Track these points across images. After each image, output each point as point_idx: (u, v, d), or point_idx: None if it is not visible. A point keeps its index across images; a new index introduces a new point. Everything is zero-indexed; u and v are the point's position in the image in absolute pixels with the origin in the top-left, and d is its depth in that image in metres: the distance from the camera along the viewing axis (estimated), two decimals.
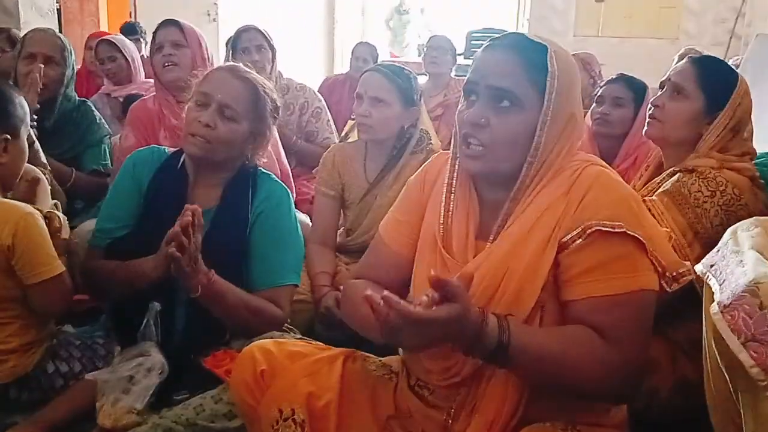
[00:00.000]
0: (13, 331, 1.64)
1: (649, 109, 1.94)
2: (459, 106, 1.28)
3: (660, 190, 1.79)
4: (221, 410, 1.57)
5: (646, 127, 1.95)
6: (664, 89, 1.91)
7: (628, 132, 2.58)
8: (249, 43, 3.05)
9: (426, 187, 1.39)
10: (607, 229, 1.14)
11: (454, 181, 1.32)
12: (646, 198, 1.77)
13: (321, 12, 8.98)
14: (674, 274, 1.21)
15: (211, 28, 6.27)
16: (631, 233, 1.14)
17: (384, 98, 2.29)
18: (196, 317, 1.69)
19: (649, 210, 1.73)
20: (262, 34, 3.09)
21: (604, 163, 1.28)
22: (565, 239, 1.17)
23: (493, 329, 1.09)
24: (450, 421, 1.24)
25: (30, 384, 1.68)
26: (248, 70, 1.82)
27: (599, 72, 3.66)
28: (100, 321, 1.90)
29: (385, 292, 1.03)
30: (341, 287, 1.56)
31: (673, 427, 1.72)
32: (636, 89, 2.60)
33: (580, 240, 1.15)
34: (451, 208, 1.30)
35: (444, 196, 1.32)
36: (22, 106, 1.70)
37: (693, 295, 1.33)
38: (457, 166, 1.31)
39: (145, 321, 1.67)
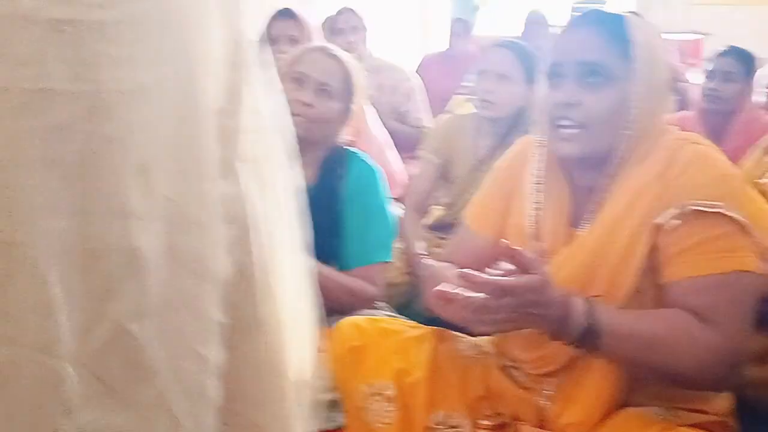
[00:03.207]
0: None
1: (765, 78, 1.83)
2: (543, 91, 1.24)
3: None
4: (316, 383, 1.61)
5: (763, 99, 1.84)
6: None
7: (737, 108, 2.44)
8: (345, 24, 3.08)
9: (514, 172, 1.36)
10: (704, 209, 1.09)
11: (542, 171, 1.28)
12: (760, 181, 1.67)
13: None
14: None
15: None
16: (730, 214, 1.08)
17: (510, 75, 2.24)
18: None
19: (765, 193, 1.64)
20: (356, 14, 3.10)
21: (704, 140, 1.22)
22: (660, 221, 1.12)
23: (579, 309, 1.05)
24: (547, 403, 1.22)
25: None
26: (336, 48, 1.85)
27: None
28: None
29: (462, 270, 1.01)
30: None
31: None
32: (746, 61, 2.45)
33: (676, 221, 1.10)
34: (540, 199, 1.27)
35: (534, 185, 1.28)
36: None
37: None
38: (544, 153, 1.27)
39: None
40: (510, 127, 2.30)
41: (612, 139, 1.17)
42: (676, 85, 3.41)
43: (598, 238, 1.16)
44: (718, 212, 1.08)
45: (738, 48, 2.47)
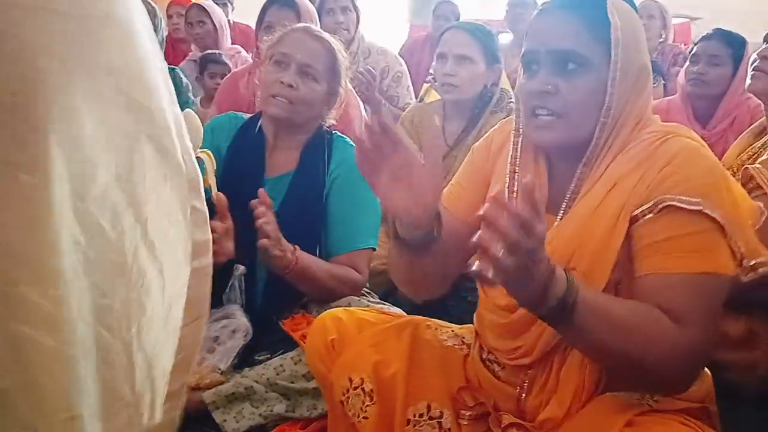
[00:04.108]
0: None
1: (754, 61, 1.82)
2: (519, 79, 1.20)
3: (765, 156, 1.67)
4: (301, 371, 1.61)
5: (749, 81, 1.83)
6: None
7: (726, 91, 2.43)
8: (334, 3, 3.03)
9: (491, 155, 1.32)
10: (681, 205, 1.04)
11: (518, 159, 1.24)
12: (749, 165, 1.67)
13: None
14: (752, 263, 1.09)
15: None
16: (709, 213, 1.04)
17: (469, 56, 2.23)
18: (277, 280, 1.71)
19: (752, 178, 1.63)
20: None
21: (692, 134, 1.17)
22: (636, 212, 1.08)
23: (561, 278, 0.99)
24: (523, 395, 1.21)
25: None
26: (320, 30, 1.82)
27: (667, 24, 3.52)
28: None
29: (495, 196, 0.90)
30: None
31: None
32: (734, 45, 2.43)
33: (652, 214, 1.07)
34: (515, 188, 1.23)
35: (508, 174, 1.24)
36: None
37: None
38: (520, 140, 1.24)
39: (230, 284, 1.71)
40: (476, 109, 2.31)
41: (590, 128, 1.13)
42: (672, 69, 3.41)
43: (575, 227, 1.13)
44: (696, 210, 1.04)
45: (724, 31, 2.45)
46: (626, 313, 1.04)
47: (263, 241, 1.54)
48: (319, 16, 2.99)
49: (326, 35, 1.80)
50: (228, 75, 2.78)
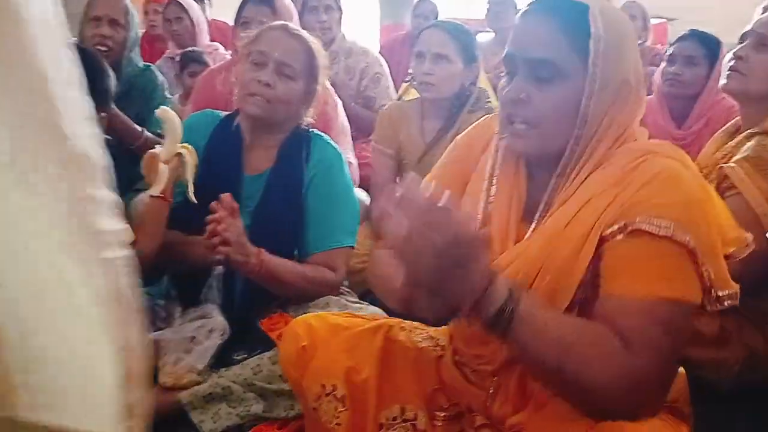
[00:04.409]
0: None
1: (730, 61, 1.83)
2: (501, 84, 1.17)
3: (739, 156, 1.69)
4: (278, 371, 1.59)
5: (724, 81, 1.84)
6: (746, 41, 1.81)
7: (701, 91, 2.46)
8: (318, 2, 3.01)
9: (473, 152, 1.29)
10: (651, 229, 1.00)
11: (497, 163, 1.21)
12: (724, 165, 1.69)
13: None
14: (720, 294, 1.05)
15: None
16: (678, 238, 1.00)
17: (447, 55, 2.24)
18: (254, 280, 1.70)
19: (726, 177, 1.65)
20: None
21: (676, 153, 1.11)
22: (606, 232, 1.05)
23: (502, 287, 0.96)
24: (489, 403, 1.19)
25: None
26: (298, 28, 1.81)
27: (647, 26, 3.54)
28: (161, 282, 1.93)
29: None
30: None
31: (744, 398, 1.67)
32: (709, 46, 2.46)
33: (621, 235, 1.03)
34: (492, 192, 1.20)
35: (487, 177, 1.22)
36: (115, 82, 1.74)
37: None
38: (501, 145, 1.21)
39: (207, 283, 1.70)
40: (453, 107, 2.32)
41: (565, 139, 1.09)
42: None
43: (544, 241, 1.10)
44: (665, 235, 1.00)
45: (700, 32, 2.47)
46: (569, 331, 1.01)
47: (221, 249, 1.52)
48: (302, 14, 2.98)
49: (304, 33, 1.79)
50: (205, 71, 2.76)
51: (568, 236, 1.07)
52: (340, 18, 3.05)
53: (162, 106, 1.77)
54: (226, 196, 1.55)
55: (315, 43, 1.79)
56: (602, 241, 1.05)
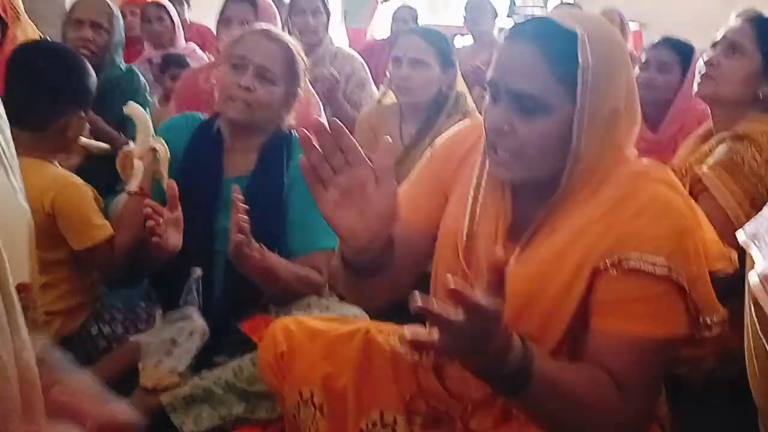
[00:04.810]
0: (60, 294, 1.70)
1: (702, 66, 1.88)
2: (484, 103, 1.12)
3: (711, 160, 1.73)
4: (259, 373, 1.60)
5: (696, 86, 1.89)
6: (717, 48, 1.85)
7: (675, 97, 2.50)
8: (306, 5, 3.01)
9: (453, 160, 1.24)
10: (644, 267, 1.00)
11: (483, 181, 1.17)
12: (697, 168, 1.73)
13: None
14: (708, 321, 1.06)
15: None
16: (671, 276, 1.00)
17: (424, 60, 2.28)
18: (234, 282, 1.70)
19: (700, 180, 1.69)
20: None
21: (666, 174, 1.10)
22: (599, 265, 1.03)
23: (519, 349, 0.93)
24: (469, 415, 1.19)
25: (74, 345, 1.73)
26: (279, 31, 1.83)
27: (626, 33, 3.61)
28: (139, 284, 1.93)
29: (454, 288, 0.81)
30: None
31: (716, 394, 1.71)
32: (682, 52, 2.51)
33: (614, 270, 1.02)
34: (477, 210, 1.17)
35: (471, 194, 1.18)
36: (94, 81, 1.74)
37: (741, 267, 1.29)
38: (486, 165, 1.17)
39: (186, 286, 1.69)
40: (431, 111, 2.35)
41: (551, 169, 1.06)
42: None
43: (537, 269, 1.07)
44: (658, 272, 1.00)
45: (673, 38, 2.52)
46: (576, 383, 1.00)
47: (238, 236, 1.51)
48: (290, 15, 2.99)
49: (285, 37, 1.80)
50: (188, 71, 2.76)
51: (560, 267, 1.05)
52: (328, 22, 3.05)
53: (132, 103, 1.77)
54: (236, 188, 1.52)
55: (296, 46, 1.80)
56: (594, 272, 1.04)
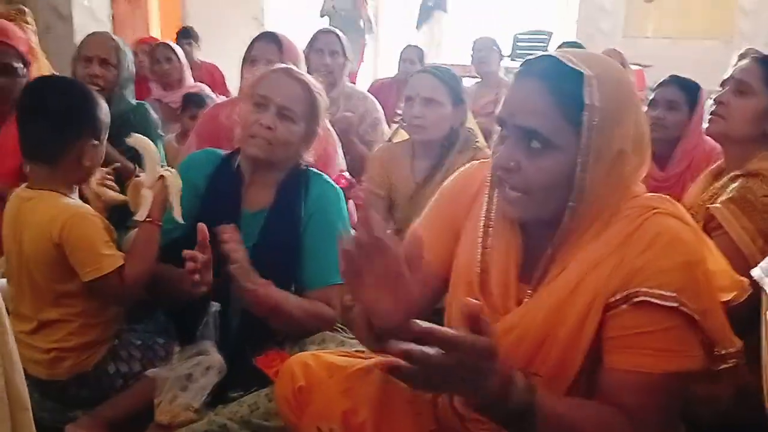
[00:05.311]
0: (73, 330, 1.68)
1: (712, 106, 1.91)
2: (494, 139, 1.14)
3: (724, 197, 1.75)
4: (274, 408, 1.58)
5: (707, 125, 1.93)
6: (726, 87, 1.89)
7: (683, 135, 2.54)
8: (325, 45, 3.08)
9: (464, 199, 1.25)
10: (656, 300, 1.00)
11: (492, 215, 1.19)
12: (710, 206, 1.74)
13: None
14: (723, 352, 1.07)
15: (258, 32, 6.38)
16: (683, 309, 1.00)
17: (436, 98, 2.31)
18: (251, 317, 1.71)
19: (713, 217, 1.70)
20: (339, 39, 3.11)
21: (675, 208, 1.11)
22: (610, 300, 1.04)
23: (522, 386, 0.94)
24: None
25: (89, 383, 1.72)
26: (301, 71, 1.86)
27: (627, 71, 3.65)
28: (156, 318, 1.93)
29: (412, 322, 0.86)
30: None
31: None
32: (689, 91, 2.55)
33: (625, 305, 1.03)
34: (489, 244, 1.18)
35: (482, 230, 1.19)
36: (106, 112, 1.76)
37: (757, 303, 1.30)
38: (494, 200, 1.19)
39: (204, 321, 1.70)
40: (443, 148, 2.38)
41: (558, 207, 1.06)
42: None
43: (549, 309, 1.08)
44: (670, 306, 1.00)
45: (680, 78, 2.56)
46: (586, 420, 1.01)
47: (233, 267, 1.54)
48: (308, 54, 3.04)
49: (306, 77, 1.83)
50: (210, 106, 2.81)
51: (572, 305, 1.06)
52: (344, 64, 3.11)
53: (135, 134, 1.80)
54: (230, 227, 1.57)
55: (317, 85, 1.84)
56: (606, 308, 1.05)
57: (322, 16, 6.48)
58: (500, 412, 0.95)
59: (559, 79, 1.03)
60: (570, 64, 1.04)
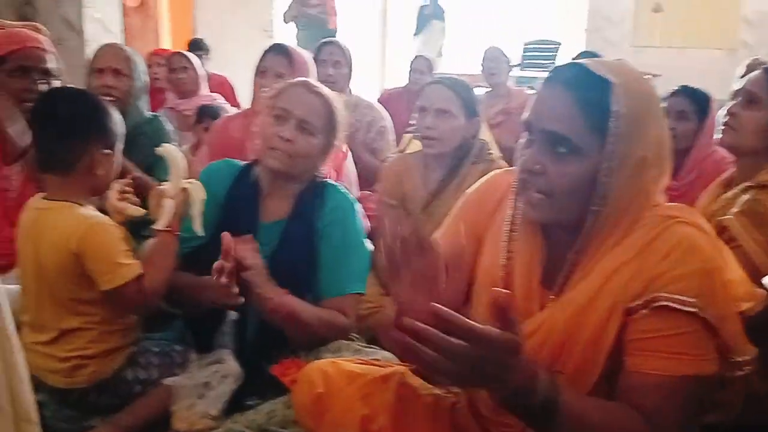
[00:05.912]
0: (93, 338, 1.70)
1: (724, 117, 1.93)
2: (521, 141, 1.18)
3: (735, 209, 1.76)
4: (292, 416, 1.59)
5: (719, 136, 1.94)
6: (737, 98, 1.90)
7: (692, 145, 2.55)
8: (328, 56, 3.13)
9: (488, 206, 1.30)
10: (675, 305, 1.04)
11: (516, 220, 1.22)
12: (722, 218, 1.75)
13: (373, 25, 9.11)
14: (738, 360, 1.11)
15: (268, 43, 6.41)
16: (702, 314, 1.04)
17: (449, 110, 2.32)
18: (267, 325, 1.72)
19: (726, 229, 1.71)
20: (343, 50, 3.15)
21: (694, 217, 1.14)
22: (630, 305, 1.08)
23: (546, 382, 0.97)
24: None
25: (109, 389, 1.74)
26: (319, 84, 1.88)
27: None
28: (174, 326, 1.95)
29: (435, 306, 0.89)
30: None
31: None
32: (699, 101, 2.57)
33: (645, 310, 1.06)
34: (513, 249, 1.21)
35: (506, 234, 1.23)
36: (119, 121, 1.78)
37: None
38: (518, 206, 1.22)
39: (221, 329, 1.72)
40: (456, 159, 2.39)
41: (581, 211, 1.10)
42: None
43: (570, 314, 1.11)
44: (689, 311, 1.03)
45: (690, 87, 2.59)
46: (604, 420, 1.03)
47: (247, 273, 1.56)
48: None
49: (325, 90, 1.86)
50: (221, 118, 2.84)
51: (594, 310, 1.09)
52: (349, 74, 3.15)
53: (166, 144, 1.82)
54: (247, 237, 1.60)
55: (335, 99, 1.86)
56: (626, 312, 1.08)
57: (286, 22, 6.28)
58: (524, 407, 0.97)
59: (585, 88, 1.07)
60: (598, 73, 1.08)
